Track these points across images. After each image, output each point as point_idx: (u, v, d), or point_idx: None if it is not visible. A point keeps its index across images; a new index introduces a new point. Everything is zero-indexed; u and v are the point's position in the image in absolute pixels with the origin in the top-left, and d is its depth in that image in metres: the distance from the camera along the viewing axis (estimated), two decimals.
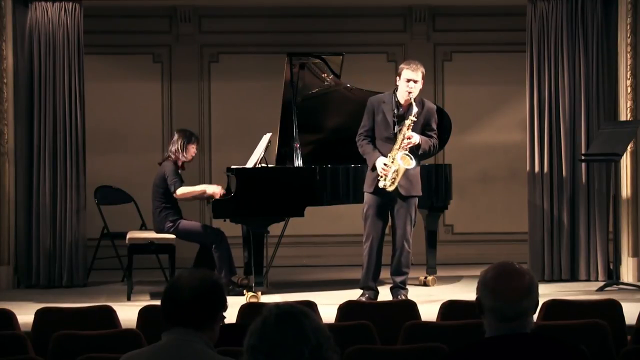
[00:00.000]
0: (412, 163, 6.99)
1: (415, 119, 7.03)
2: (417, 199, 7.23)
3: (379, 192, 7.08)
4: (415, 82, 7.06)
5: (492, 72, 10.20)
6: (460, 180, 9.40)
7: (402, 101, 7.12)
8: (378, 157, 7.08)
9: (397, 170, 7.00)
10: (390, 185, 7.01)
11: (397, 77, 7.15)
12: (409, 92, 7.06)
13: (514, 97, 9.96)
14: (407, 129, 7.01)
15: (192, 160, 8.22)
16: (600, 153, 8.16)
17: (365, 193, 7.23)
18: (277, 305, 2.50)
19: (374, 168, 7.10)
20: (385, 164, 7.01)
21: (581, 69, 8.55)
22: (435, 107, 7.39)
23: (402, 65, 7.18)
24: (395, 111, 7.14)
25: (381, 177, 7.01)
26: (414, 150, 7.04)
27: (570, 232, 8.55)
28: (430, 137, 7.17)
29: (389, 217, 7.24)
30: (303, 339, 2.41)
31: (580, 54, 8.56)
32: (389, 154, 7.04)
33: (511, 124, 10.15)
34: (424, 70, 7.16)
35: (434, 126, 7.24)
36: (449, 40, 10.34)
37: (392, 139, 7.10)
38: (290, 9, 10.14)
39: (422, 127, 7.16)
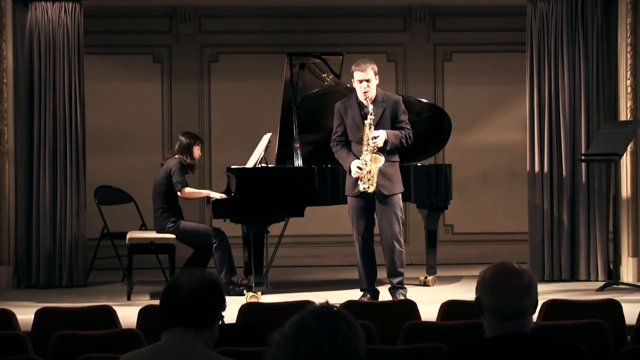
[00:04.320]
0: (381, 160, 6.99)
1: (373, 117, 7.01)
2: (400, 195, 7.22)
3: (359, 194, 7.09)
4: (367, 81, 7.07)
5: (492, 72, 10.20)
6: (460, 180, 9.40)
7: (363, 101, 7.12)
8: (352, 160, 7.09)
9: (370, 171, 7.00)
10: (369, 187, 7.01)
11: (352, 80, 7.17)
12: (364, 92, 7.07)
13: (514, 97, 9.96)
14: (369, 130, 7.01)
15: (196, 162, 8.22)
16: (600, 153, 8.16)
17: (347, 197, 7.24)
18: (339, 311, 2.40)
19: (351, 172, 7.11)
20: (358, 167, 7.02)
21: (581, 69, 8.55)
22: (400, 97, 7.36)
23: (352, 67, 7.16)
24: (361, 112, 7.14)
25: (360, 181, 7.02)
26: (382, 147, 7.04)
27: (570, 232, 8.55)
28: (401, 128, 7.16)
29: (374, 217, 7.23)
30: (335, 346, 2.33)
31: (580, 54, 8.56)
32: (361, 157, 7.05)
33: (511, 124, 10.15)
34: (374, 67, 7.14)
35: (403, 117, 7.19)
36: (449, 40, 10.34)
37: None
38: (290, 9, 10.14)
39: (391, 121, 7.16)
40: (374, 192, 7.04)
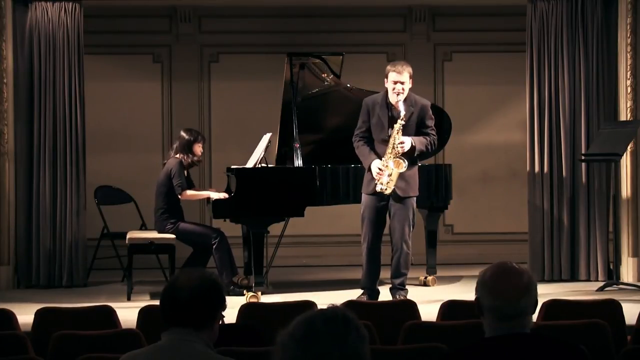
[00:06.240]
0: (404, 166, 6.98)
1: (404, 122, 7.00)
2: (414, 199, 7.22)
3: (375, 193, 7.09)
4: (402, 83, 7.05)
5: (492, 72, 10.20)
6: (460, 180, 9.41)
7: (393, 103, 7.11)
8: (373, 159, 7.07)
9: (391, 174, 7.00)
10: (386, 189, 7.01)
11: (385, 79, 7.14)
12: (397, 94, 7.05)
13: (514, 97, 9.96)
14: (397, 134, 6.99)
15: (200, 159, 8.20)
16: (600, 153, 8.16)
17: (362, 194, 7.24)
18: (345, 314, 2.35)
19: (370, 169, 7.11)
20: (379, 168, 7.02)
21: (581, 69, 8.55)
22: (429, 103, 7.35)
23: (387, 67, 7.15)
24: (389, 113, 7.13)
25: (377, 181, 7.02)
26: (409, 153, 7.03)
27: (570, 232, 8.55)
28: (426, 134, 7.16)
29: (387, 218, 7.24)
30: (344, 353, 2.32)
31: (580, 54, 8.56)
32: (383, 158, 7.04)
33: (511, 124, 10.15)
34: (410, 70, 7.14)
35: (430, 123, 7.20)
36: (449, 40, 10.34)
37: (387, 141, 7.09)
38: (290, 9, 10.14)
39: (417, 126, 7.15)
40: (390, 192, 7.04)
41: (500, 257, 3.22)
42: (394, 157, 6.98)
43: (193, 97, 10.22)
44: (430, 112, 7.25)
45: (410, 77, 7.12)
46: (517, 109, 9.83)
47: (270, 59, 9.49)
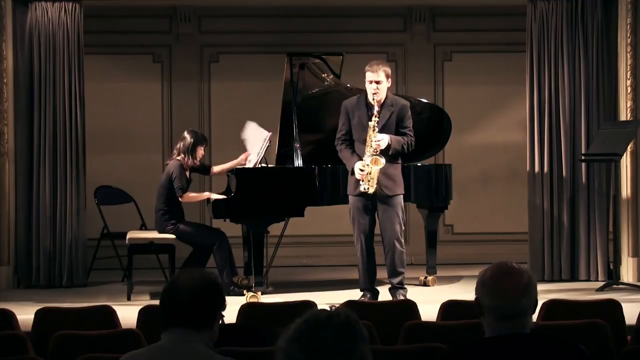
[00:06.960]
0: (382, 162, 7.00)
1: (377, 120, 7.02)
2: (402, 197, 7.23)
3: (362, 194, 7.10)
4: (377, 82, 7.07)
5: (492, 72, 10.20)
6: (460, 180, 9.40)
7: (371, 102, 7.12)
8: (355, 161, 7.09)
9: (370, 173, 7.00)
10: (369, 188, 7.02)
11: (364, 80, 7.17)
12: (374, 94, 7.07)
13: (514, 97, 9.95)
14: (373, 132, 7.02)
15: (200, 161, 8.18)
16: (600, 153, 8.16)
17: (349, 196, 7.24)
18: (346, 315, 2.35)
19: (353, 172, 7.12)
20: (361, 169, 7.03)
21: (581, 69, 8.55)
22: (408, 103, 7.33)
23: (365, 68, 7.17)
24: (368, 113, 7.14)
25: (362, 181, 7.03)
26: (384, 151, 7.03)
27: (570, 232, 8.55)
28: (404, 134, 7.16)
29: (376, 217, 7.24)
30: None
31: (580, 54, 8.56)
32: (363, 158, 7.06)
33: (511, 124, 10.15)
34: (387, 69, 7.14)
35: (408, 123, 7.19)
36: (449, 40, 10.34)
37: None
38: (290, 9, 10.15)
39: (396, 125, 7.16)
40: (375, 192, 7.05)
41: (500, 257, 3.22)
42: (371, 156, 7.01)
43: (193, 97, 10.22)
44: (410, 112, 7.25)
45: (387, 76, 7.13)
46: (517, 109, 9.82)
47: (270, 59, 9.49)
